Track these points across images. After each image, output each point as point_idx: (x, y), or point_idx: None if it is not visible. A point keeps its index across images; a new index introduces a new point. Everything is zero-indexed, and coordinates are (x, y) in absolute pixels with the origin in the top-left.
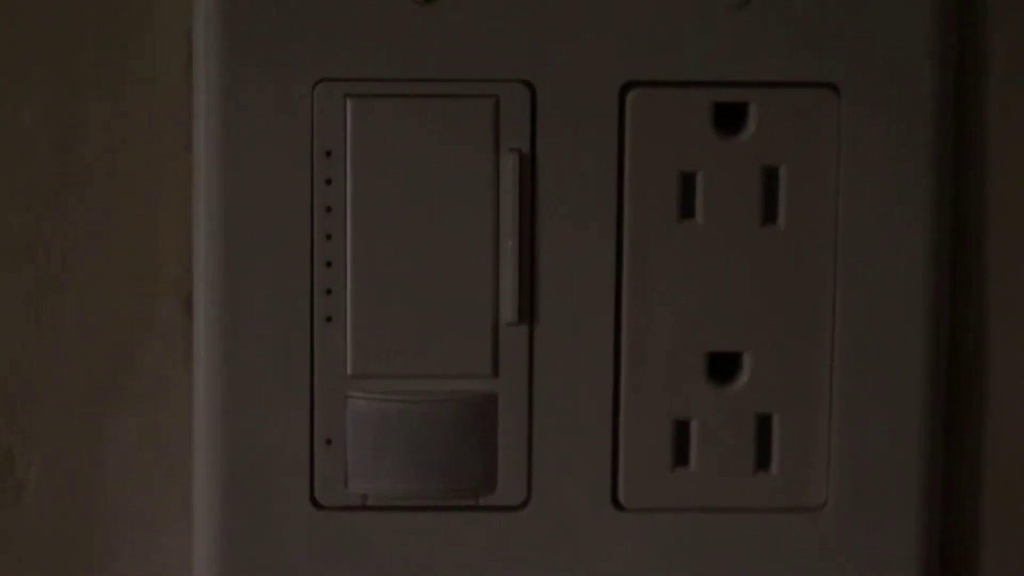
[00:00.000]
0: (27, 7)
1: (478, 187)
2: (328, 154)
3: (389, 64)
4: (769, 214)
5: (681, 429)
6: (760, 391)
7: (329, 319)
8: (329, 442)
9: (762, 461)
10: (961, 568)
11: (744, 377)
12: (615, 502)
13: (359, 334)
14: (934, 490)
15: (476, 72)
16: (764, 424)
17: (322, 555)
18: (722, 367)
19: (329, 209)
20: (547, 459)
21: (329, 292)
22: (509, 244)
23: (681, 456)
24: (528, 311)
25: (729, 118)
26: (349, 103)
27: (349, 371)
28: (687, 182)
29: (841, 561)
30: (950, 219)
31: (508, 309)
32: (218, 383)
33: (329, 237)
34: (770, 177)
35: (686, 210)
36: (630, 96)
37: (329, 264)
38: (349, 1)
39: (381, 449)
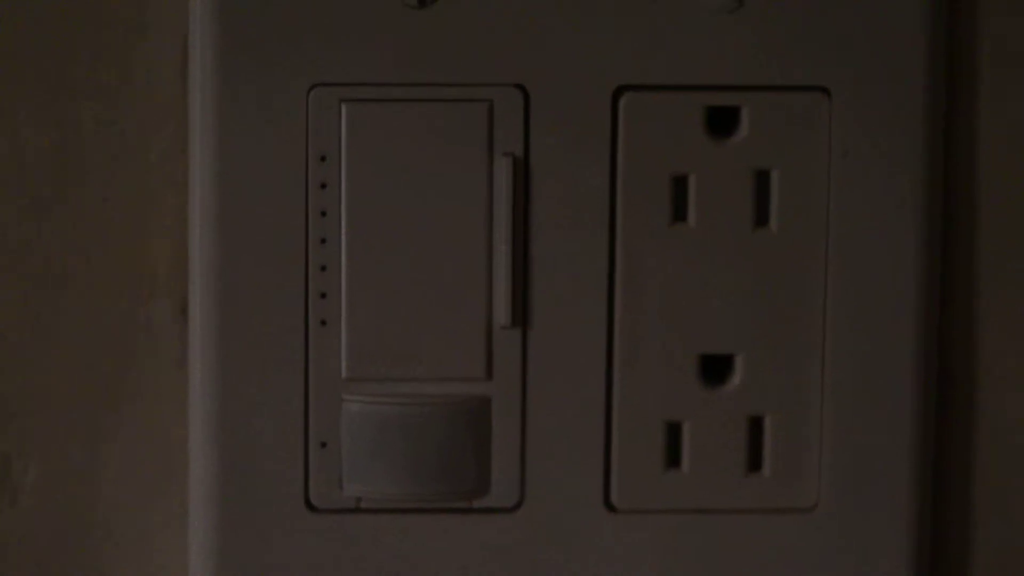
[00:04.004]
0: (23, 11)
1: (472, 191)
2: (323, 159)
3: (383, 69)
4: (761, 217)
5: (673, 431)
6: (752, 393)
7: (324, 323)
8: (324, 445)
9: (754, 463)
10: (952, 569)
11: (736, 379)
12: (608, 504)
13: (354, 337)
14: (925, 491)
15: (470, 76)
16: (756, 426)
17: (317, 557)
18: (714, 369)
19: (324, 213)
20: (540, 461)
21: (324, 296)
22: (503, 248)
23: (673, 458)
24: (522, 314)
25: (721, 122)
26: (344, 108)
27: (344, 374)
28: (679, 185)
29: (833, 562)
30: (941, 222)
31: (502, 312)
32: (213, 386)
33: (324, 241)
34: (762, 180)
35: (678, 213)
36: (623, 100)
37: (324, 268)
38: (344, 6)
39: (375, 452)
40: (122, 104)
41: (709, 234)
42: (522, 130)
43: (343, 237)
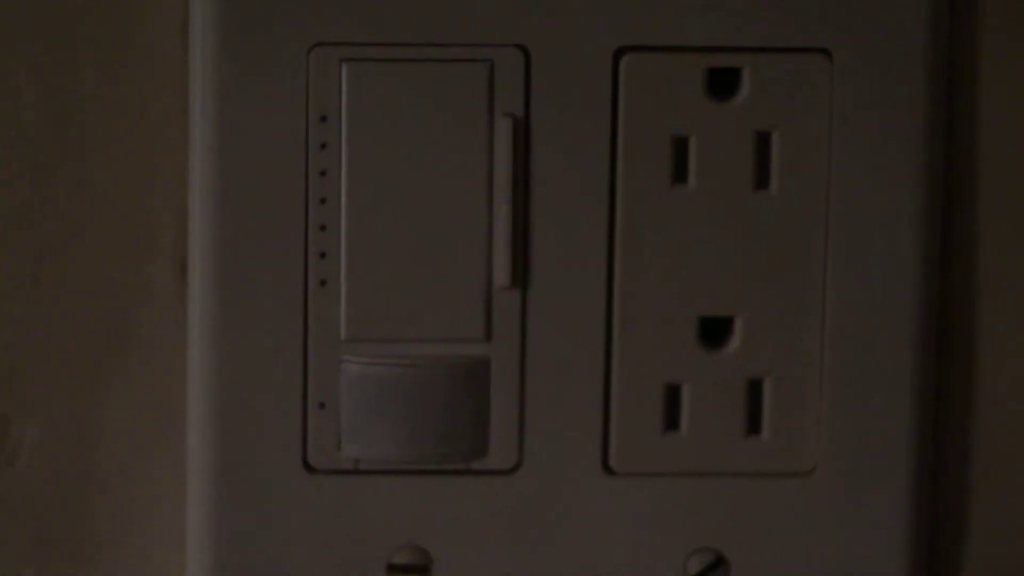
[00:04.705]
0: None
1: (472, 151)
2: (323, 119)
3: (384, 29)
4: (761, 179)
5: (672, 394)
6: (751, 356)
7: (323, 283)
8: (322, 406)
9: (753, 426)
10: (950, 533)
11: (735, 342)
12: (606, 467)
13: (353, 298)
14: (923, 455)
15: (471, 37)
16: (755, 389)
17: (315, 518)
18: (714, 332)
19: (323, 173)
20: (539, 424)
21: (323, 256)
22: (503, 208)
23: (672, 421)
24: (521, 275)
25: (722, 83)
26: (344, 68)
27: (343, 335)
28: (680, 147)
29: (830, 525)
30: (942, 184)
31: (501, 273)
32: (212, 346)
33: (323, 201)
34: (763, 142)
35: (679, 175)
36: (624, 61)
37: (323, 228)
38: None
39: (374, 413)
40: (122, 65)
41: (709, 196)
42: (523, 91)
43: (343, 197)
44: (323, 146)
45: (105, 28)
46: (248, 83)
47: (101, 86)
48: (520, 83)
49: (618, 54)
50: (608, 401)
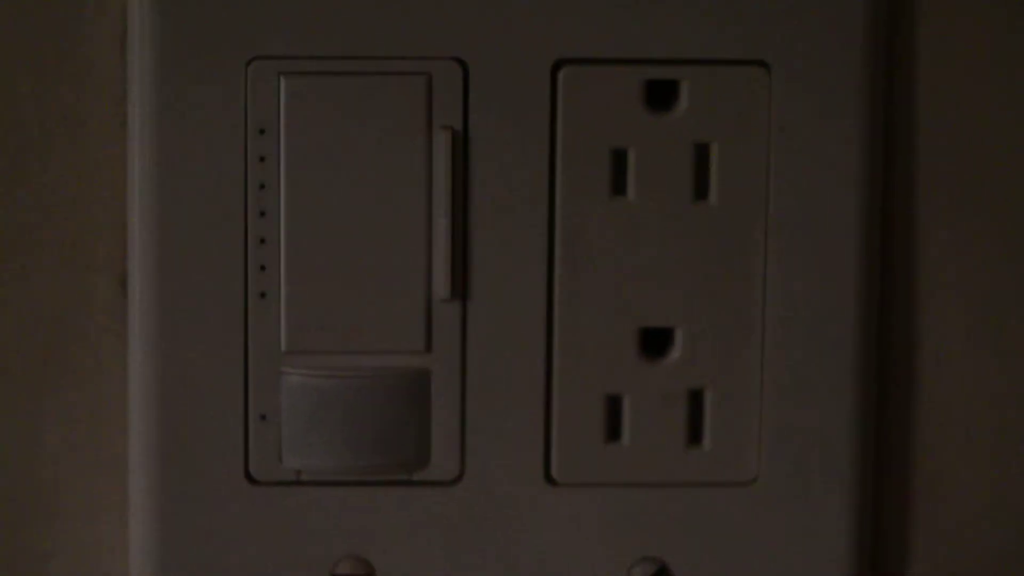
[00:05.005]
0: None
1: (411, 164)
2: (261, 132)
3: (322, 42)
4: (701, 191)
5: (613, 404)
6: (692, 366)
7: (263, 295)
8: (263, 418)
9: (694, 436)
10: (893, 542)
11: (676, 352)
12: (548, 477)
13: (293, 310)
14: (865, 464)
15: (409, 50)
16: (696, 399)
17: (257, 530)
18: (654, 343)
19: (263, 186)
20: (480, 435)
21: (263, 268)
22: (442, 221)
23: (614, 431)
24: (461, 287)
25: (661, 95)
26: (283, 81)
27: (283, 347)
28: (619, 159)
29: (773, 534)
30: (880, 196)
31: (441, 285)
32: (153, 359)
33: (263, 214)
34: (701, 154)
35: (618, 187)
36: (562, 74)
37: (263, 241)
38: None
39: (315, 425)
40: (60, 77)
41: (648, 207)
42: (461, 103)
43: (282, 210)
44: (262, 159)
45: (43, 40)
46: (186, 96)
47: (40, 99)
48: (458, 96)
49: (556, 67)
50: (549, 412)
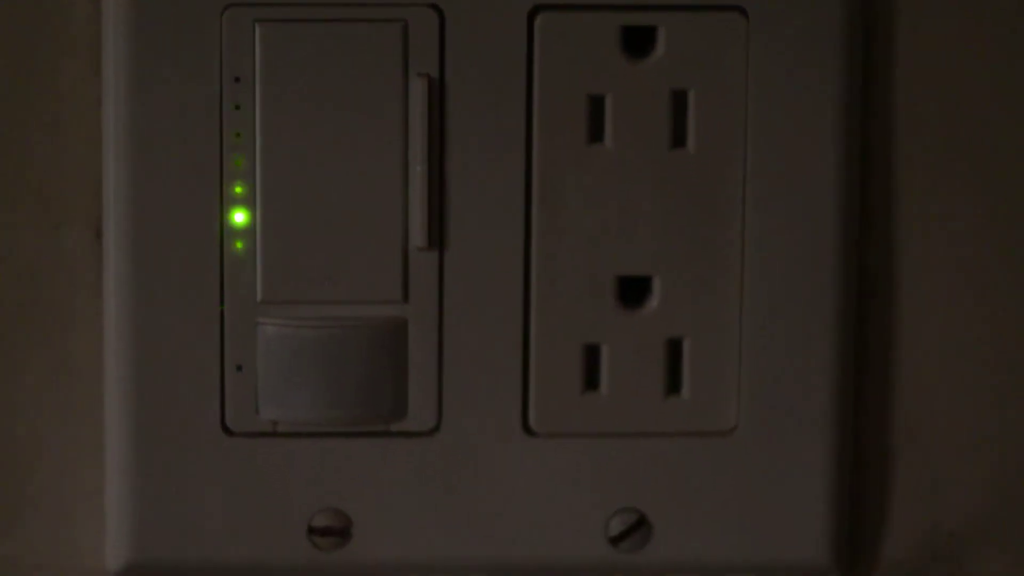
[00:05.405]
0: None
1: (387, 112)
2: (237, 79)
3: None
4: (678, 138)
5: (592, 354)
6: (670, 315)
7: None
8: (239, 368)
9: (673, 385)
10: (871, 491)
11: (654, 301)
12: (526, 427)
13: (269, 261)
14: (845, 413)
15: None
16: (675, 348)
17: (233, 482)
18: (632, 291)
19: (238, 135)
20: (458, 385)
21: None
22: (418, 169)
23: (592, 381)
24: (438, 236)
25: (638, 41)
26: (257, 28)
27: (259, 297)
28: (596, 106)
29: (752, 484)
30: (859, 142)
31: (418, 234)
32: (128, 310)
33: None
34: (679, 101)
35: (595, 134)
36: (538, 20)
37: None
38: None
39: (291, 375)
40: (36, 24)
41: (626, 155)
42: (437, 50)
43: (257, 159)
44: (237, 107)
45: None
46: (161, 44)
47: (11, 46)
48: (434, 43)
49: (532, 13)
50: (527, 362)
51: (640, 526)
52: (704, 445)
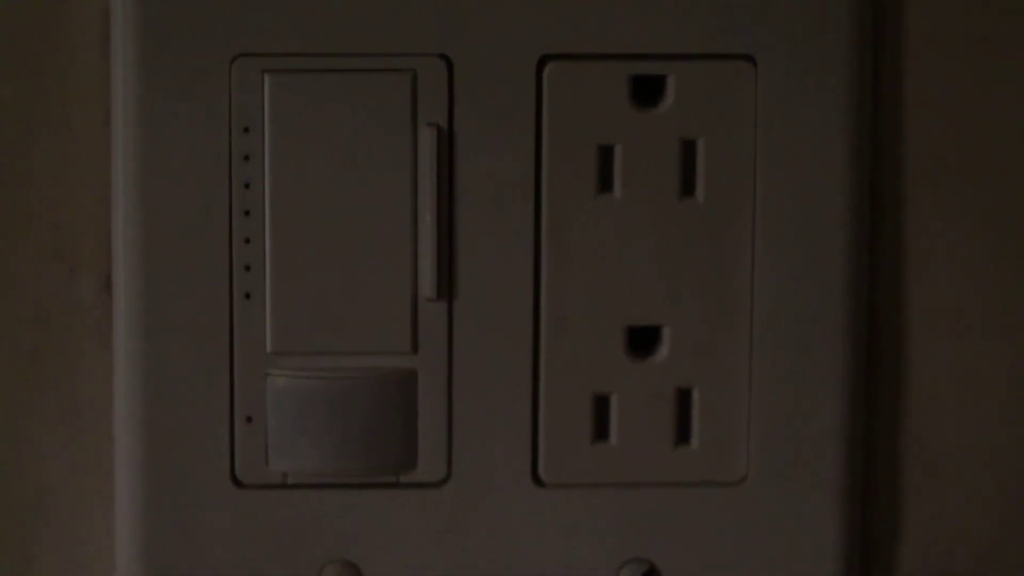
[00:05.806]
0: None
1: (396, 162)
2: (246, 130)
3: (306, 39)
4: (687, 187)
5: (601, 404)
6: (680, 365)
7: (248, 296)
8: (249, 420)
9: (682, 435)
10: (882, 541)
11: (663, 351)
12: (536, 478)
13: (278, 311)
14: (854, 463)
15: (393, 46)
16: (684, 398)
17: (244, 533)
18: (642, 341)
19: (247, 185)
20: (467, 435)
21: (248, 268)
22: (428, 219)
23: (601, 431)
24: (447, 287)
25: (647, 91)
26: (267, 78)
27: (269, 348)
28: (605, 155)
29: (762, 533)
30: (868, 191)
31: (427, 285)
32: (138, 361)
33: (248, 213)
34: (688, 150)
35: (604, 184)
36: (547, 69)
37: (248, 240)
38: None
39: (301, 426)
40: (43, 77)
41: (635, 204)
42: (446, 100)
43: (267, 209)
44: (246, 158)
45: (26, 39)
46: (170, 95)
47: (22, 98)
48: (443, 93)
49: (541, 62)
50: (537, 412)
51: None
52: (714, 495)
